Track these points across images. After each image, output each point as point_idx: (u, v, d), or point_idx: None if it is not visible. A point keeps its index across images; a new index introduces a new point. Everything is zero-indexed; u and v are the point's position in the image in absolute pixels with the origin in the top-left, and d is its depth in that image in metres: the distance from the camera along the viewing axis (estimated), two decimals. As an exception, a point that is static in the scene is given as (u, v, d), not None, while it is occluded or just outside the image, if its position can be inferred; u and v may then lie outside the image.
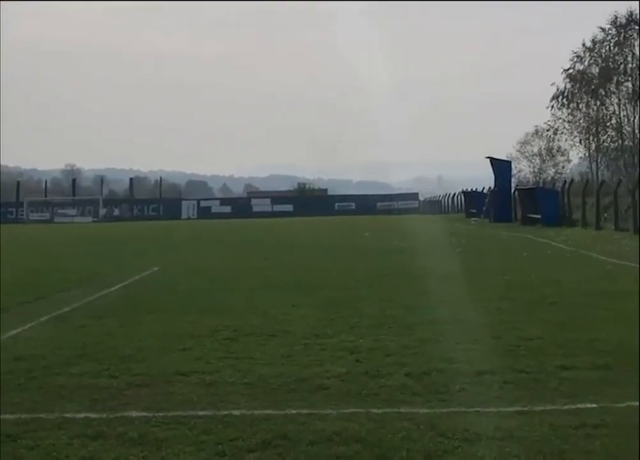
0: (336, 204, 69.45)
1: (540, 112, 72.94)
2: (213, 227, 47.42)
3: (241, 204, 72.54)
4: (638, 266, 14.37)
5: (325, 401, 7.30)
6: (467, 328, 10.82)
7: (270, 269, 19.28)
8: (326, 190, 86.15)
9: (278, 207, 68.38)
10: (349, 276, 17.35)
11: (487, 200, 45.06)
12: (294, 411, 6.96)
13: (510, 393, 7.49)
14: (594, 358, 8.83)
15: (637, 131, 55.01)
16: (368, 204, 68.02)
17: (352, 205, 69.22)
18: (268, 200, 72.07)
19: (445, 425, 6.52)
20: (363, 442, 6.18)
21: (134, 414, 6.97)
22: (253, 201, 73.26)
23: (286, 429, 6.47)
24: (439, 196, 74.52)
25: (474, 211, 47.96)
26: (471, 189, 55.52)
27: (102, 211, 70.62)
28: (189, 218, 67.05)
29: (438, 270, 18.23)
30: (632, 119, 55.04)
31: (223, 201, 77.47)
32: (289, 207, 68.15)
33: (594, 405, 7.02)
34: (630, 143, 54.91)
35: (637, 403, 7.06)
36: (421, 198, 76.32)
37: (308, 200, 71.49)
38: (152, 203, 73.95)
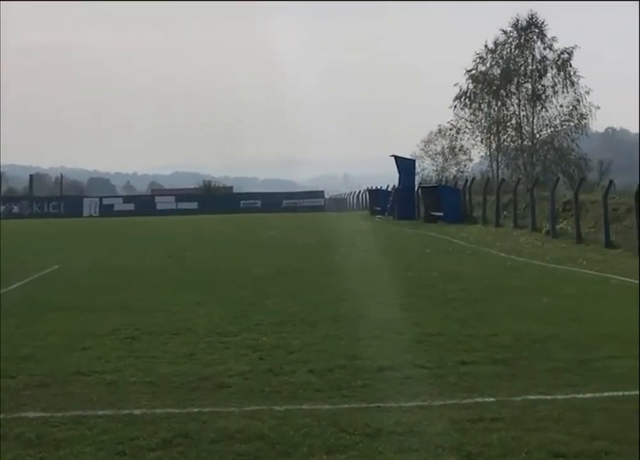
0: (242, 202, 69.13)
1: (443, 111, 73.84)
2: (115, 224, 46.74)
3: (145, 202, 71.54)
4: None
5: (227, 399, 7.29)
6: (370, 324, 10.93)
7: (174, 267, 19.14)
8: (231, 187, 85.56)
9: (183, 205, 67.69)
10: (254, 273, 17.33)
11: (391, 198, 45.48)
12: (195, 410, 6.93)
13: (411, 388, 7.60)
14: (492, 353, 9.03)
15: (535, 131, 56.33)
16: (273, 202, 67.89)
17: (258, 203, 69.01)
18: (173, 198, 71.27)
19: (347, 420, 6.57)
20: (265, 439, 6.19)
21: (32, 414, 6.84)
22: (157, 199, 72.34)
23: (187, 428, 6.43)
24: (345, 194, 74.93)
25: (379, 208, 48.34)
26: (376, 187, 55.99)
27: (0, 209, 68.93)
28: (90, 216, 65.85)
29: (342, 267, 18.36)
30: (531, 119, 56.30)
31: (126, 199, 76.28)
32: (194, 205, 67.51)
33: (492, 399, 7.17)
34: (529, 143, 56.17)
35: (533, 397, 7.24)
36: (326, 196, 76.57)
37: (214, 198, 70.92)
38: (52, 200, 72.35)
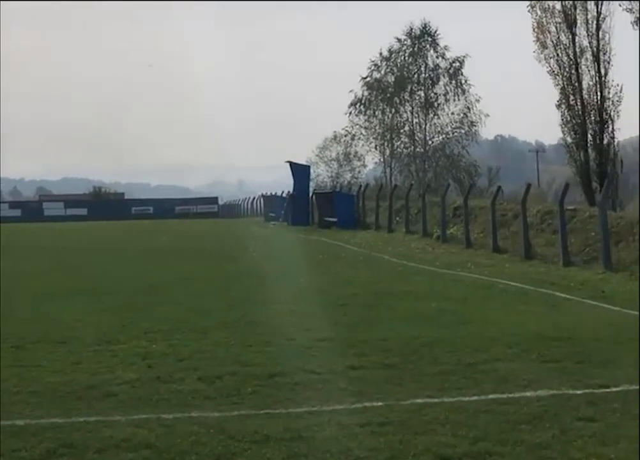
0: (133, 208, 68.19)
1: (339, 118, 74.40)
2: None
3: (32, 208, 69.88)
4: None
5: (114, 408, 7.17)
6: (261, 330, 10.92)
7: (61, 274, 18.73)
8: (123, 193, 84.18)
9: (72, 211, 66.42)
10: (144, 280, 17.10)
11: (285, 204, 45.55)
12: (81, 419, 6.80)
13: (301, 394, 7.62)
14: (382, 357, 9.12)
15: (427, 138, 57.26)
16: (166, 208, 67.16)
17: (150, 209, 68.21)
18: (61, 204, 69.84)
19: (235, 427, 6.55)
20: (152, 448, 6.12)
21: None
22: (45, 205, 70.79)
23: (72, 437, 6.31)
24: (239, 200, 74.72)
25: (273, 214, 48.33)
26: (271, 193, 55.99)
27: None
28: (-26, 222, 64.07)
29: (234, 273, 18.30)
30: (424, 126, 57.25)
31: (13, 205, 74.48)
32: (84, 211, 66.31)
33: (380, 403, 7.24)
34: (421, 149, 57.07)
35: (420, 400, 7.34)
36: (220, 202, 76.26)
37: (104, 204, 69.76)
38: None
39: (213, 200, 74.90)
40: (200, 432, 6.44)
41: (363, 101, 58.17)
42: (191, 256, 23.57)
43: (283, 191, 51.32)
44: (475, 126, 56.89)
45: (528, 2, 34.10)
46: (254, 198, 64.80)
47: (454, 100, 56.76)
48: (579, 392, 7.53)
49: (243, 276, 17.67)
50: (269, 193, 56.27)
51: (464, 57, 56.85)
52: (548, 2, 33.49)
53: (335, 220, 36.79)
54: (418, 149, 57.27)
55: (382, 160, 58.91)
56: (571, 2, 32.68)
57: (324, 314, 12.31)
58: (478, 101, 56.63)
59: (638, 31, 27.11)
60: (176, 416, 6.90)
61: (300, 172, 45.88)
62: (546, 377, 8.13)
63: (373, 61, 57.98)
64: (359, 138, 59.51)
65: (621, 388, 7.65)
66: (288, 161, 46.08)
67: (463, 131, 57.03)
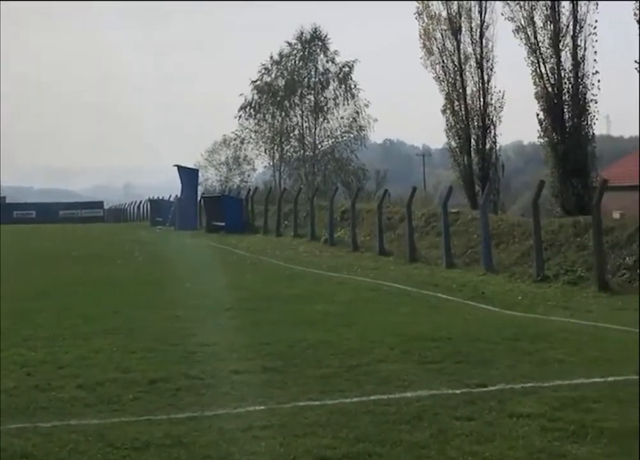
0: (15, 212, 66.34)
1: (229, 121, 74.38)
2: None
3: None
4: None
5: (-10, 418, 6.99)
6: (145, 336, 10.80)
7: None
8: (4, 197, 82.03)
9: (-52, 216, 64.40)
10: (26, 286, 16.68)
11: (173, 208, 45.17)
12: (-46, 430, 6.60)
13: (183, 399, 7.57)
14: (265, 361, 9.14)
15: (317, 142, 57.57)
16: (50, 212, 65.62)
17: (33, 213, 66.60)
18: None
19: (115, 434, 6.47)
20: (28, 457, 6.02)
21: None
22: None
23: (-56, 450, 6.12)
24: (125, 204, 73.68)
25: (160, 219, 47.82)
26: (158, 197, 55.43)
27: None
28: None
29: (118, 279, 18.02)
30: (313, 130, 57.52)
31: None
32: (-40, 216, 64.39)
33: (262, 407, 7.25)
34: (311, 153, 57.34)
35: (302, 403, 7.39)
36: (106, 206, 75.17)
37: (-18, 208, 67.82)
38: None
39: (99, 204, 73.78)
40: (79, 440, 6.34)
41: (253, 105, 58.09)
42: (74, 261, 23.11)
43: (170, 195, 50.88)
44: (364, 130, 57.48)
45: (415, 9, 34.71)
46: (141, 202, 63.98)
47: (343, 104, 57.21)
48: (457, 392, 7.69)
49: (128, 282, 17.43)
50: (156, 197, 55.70)
51: (353, 61, 57.38)
52: (435, 9, 34.15)
53: (223, 224, 36.66)
54: (307, 153, 57.50)
55: (271, 163, 58.94)
56: (456, 9, 33.41)
57: (209, 319, 12.26)
58: (367, 105, 57.25)
59: (549, 37, 27.90)
60: (55, 425, 6.77)
61: (188, 176, 45.63)
62: (426, 377, 8.28)
63: (263, 65, 58.01)
64: (249, 142, 59.45)
65: (497, 387, 7.84)
66: (176, 165, 45.75)
67: (352, 135, 57.52)
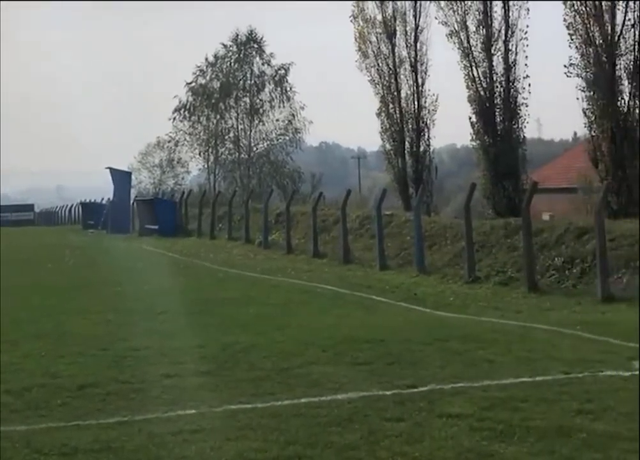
0: (-62, 216, 65.00)
1: (162, 123, 73.47)
2: None
3: None
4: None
5: None
6: (74, 341, 10.68)
7: None
8: None
9: None
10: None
11: (105, 211, 44.68)
12: None
13: (112, 404, 7.49)
14: (198, 364, 9.10)
15: (252, 144, 57.45)
16: (-22, 216, 64.51)
17: (-42, 216, 65.35)
18: None
19: (42, 441, 6.38)
20: (-49, 466, 5.88)
21: None
22: None
23: None
24: (57, 207, 72.67)
25: (92, 222, 47.21)
26: (90, 200, 54.78)
27: None
28: None
29: (47, 283, 17.76)
30: (249, 133, 57.38)
31: None
32: None
33: (193, 411, 7.21)
34: (246, 156, 57.18)
35: (234, 406, 7.36)
36: (37, 209, 74.12)
37: None
38: None
39: (29, 207, 72.63)
40: (5, 447, 6.25)
41: (187, 107, 57.79)
42: (2, 265, 22.69)
43: (103, 198, 50.36)
44: (299, 132, 57.53)
45: (351, 12, 34.93)
46: (72, 205, 63.15)
47: (279, 107, 57.20)
48: (388, 393, 7.73)
49: (58, 286, 17.21)
50: (88, 200, 55.04)
51: (289, 64, 57.42)
52: (370, 12, 34.41)
53: (156, 227, 36.36)
54: (242, 156, 57.33)
55: (206, 166, 58.68)
56: (391, 13, 33.70)
57: (141, 323, 12.16)
58: (302, 108, 57.33)
59: (481, 41, 28.31)
60: (-20, 432, 6.65)
61: (121, 178, 45.14)
62: (357, 379, 8.31)
63: (198, 67, 57.73)
64: (183, 144, 59.14)
65: (428, 388, 7.90)
66: (108, 168, 45.26)
67: (287, 137, 57.54)
